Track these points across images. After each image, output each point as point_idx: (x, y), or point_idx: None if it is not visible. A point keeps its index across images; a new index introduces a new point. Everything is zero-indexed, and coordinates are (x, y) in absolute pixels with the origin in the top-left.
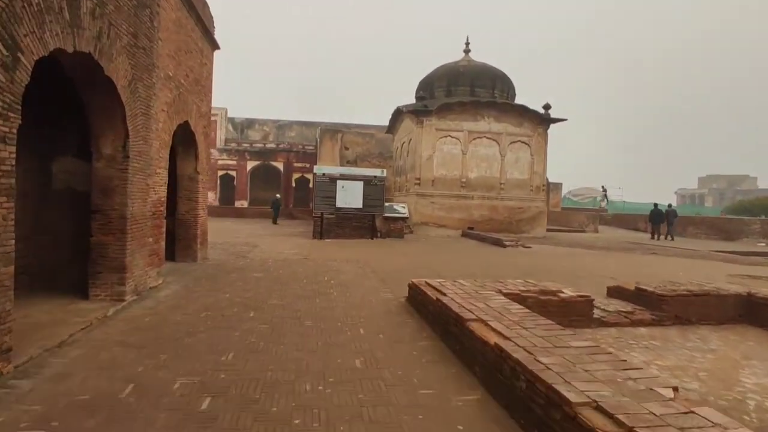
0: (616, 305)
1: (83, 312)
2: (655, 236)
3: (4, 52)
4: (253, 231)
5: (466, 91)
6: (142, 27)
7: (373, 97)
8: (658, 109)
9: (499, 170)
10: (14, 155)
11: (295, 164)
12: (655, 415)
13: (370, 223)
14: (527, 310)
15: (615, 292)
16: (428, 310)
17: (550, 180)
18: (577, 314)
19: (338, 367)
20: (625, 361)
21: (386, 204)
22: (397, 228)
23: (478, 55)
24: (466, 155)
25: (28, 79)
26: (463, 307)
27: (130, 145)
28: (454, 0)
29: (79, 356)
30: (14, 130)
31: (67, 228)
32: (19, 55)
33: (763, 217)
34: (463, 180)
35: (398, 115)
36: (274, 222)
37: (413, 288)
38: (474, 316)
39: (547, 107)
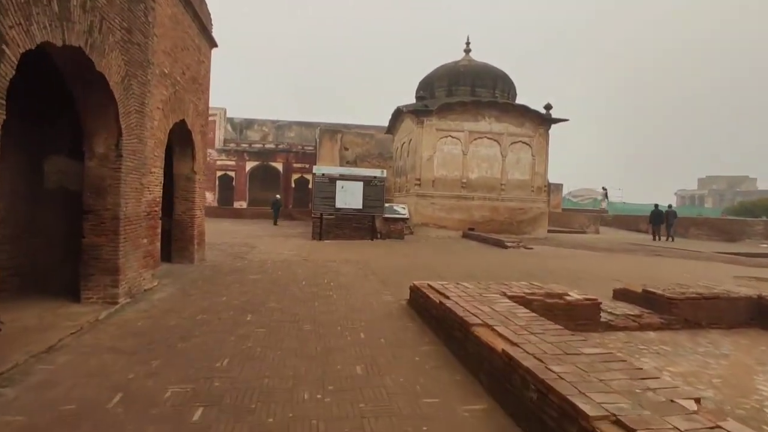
0: (624, 308)
1: (74, 315)
2: (657, 237)
3: None
4: (251, 232)
5: (466, 91)
6: (136, 22)
7: (374, 97)
8: (657, 109)
9: (500, 171)
10: None
11: (295, 165)
12: (679, 430)
13: (369, 223)
14: (534, 314)
15: (621, 295)
16: (431, 313)
17: (551, 181)
18: (584, 318)
19: (338, 374)
20: (642, 369)
21: (386, 205)
22: (397, 229)
23: (478, 55)
24: (467, 155)
25: (13, 72)
26: (468, 311)
27: (124, 144)
28: (454, 0)
29: (67, 362)
30: None
31: (60, 228)
32: (3, 47)
33: (765, 218)
34: (464, 180)
35: (398, 115)
36: (275, 223)
37: (415, 290)
38: (479, 321)
39: (548, 107)
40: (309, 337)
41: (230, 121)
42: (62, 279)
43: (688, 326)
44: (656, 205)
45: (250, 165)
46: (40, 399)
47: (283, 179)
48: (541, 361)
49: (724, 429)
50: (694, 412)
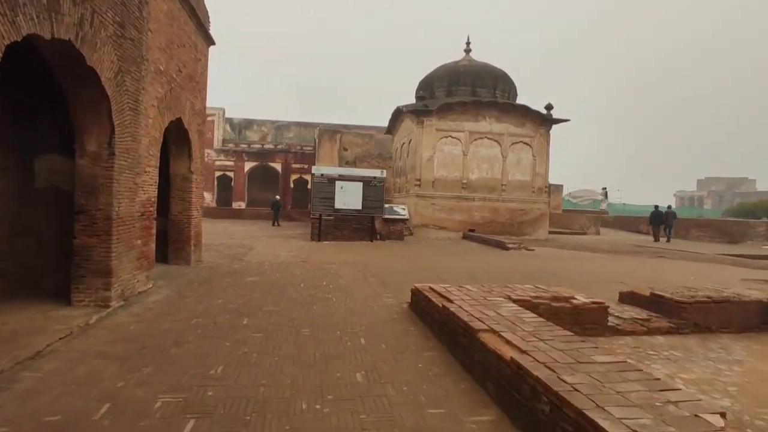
0: (631, 312)
1: (64, 319)
2: (657, 238)
3: None
4: (250, 232)
5: (467, 91)
6: (129, 17)
7: (373, 97)
8: (657, 110)
9: (500, 171)
10: None
11: (294, 165)
12: None
13: (369, 224)
14: (541, 319)
15: (628, 298)
16: (433, 317)
17: (551, 181)
18: (592, 322)
19: (338, 382)
20: (659, 380)
21: (386, 205)
22: (397, 230)
23: (478, 55)
24: (467, 156)
25: None
26: (473, 315)
27: (117, 142)
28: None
29: (54, 369)
30: None
31: (52, 229)
32: None
33: (767, 220)
34: (464, 181)
35: (398, 115)
36: (274, 224)
37: (416, 294)
38: (485, 326)
39: (549, 107)
40: (307, 343)
41: (229, 121)
42: (54, 281)
43: (697, 330)
44: (656, 206)
45: (248, 165)
46: (23, 409)
47: (281, 180)
48: (553, 370)
49: None
50: (721, 429)
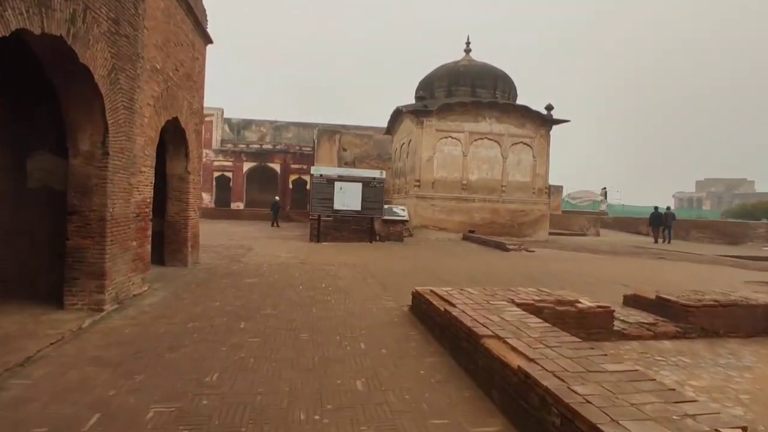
0: (636, 316)
1: (57, 323)
2: (657, 240)
3: None
4: (248, 233)
5: (467, 92)
6: (124, 13)
7: (373, 98)
8: (656, 110)
9: (500, 172)
10: None
11: (292, 166)
12: None
13: (368, 225)
14: (547, 325)
15: (632, 301)
16: (434, 321)
17: (550, 182)
18: (597, 326)
19: (337, 390)
20: (674, 390)
21: (385, 206)
22: (397, 231)
23: (478, 55)
24: (467, 157)
25: None
26: (476, 320)
27: (111, 141)
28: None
29: (44, 376)
30: None
31: (46, 230)
32: None
33: (767, 221)
34: (464, 182)
35: (398, 115)
36: (274, 224)
37: (417, 296)
38: (489, 332)
39: (549, 108)
40: (306, 347)
41: (227, 121)
42: (48, 284)
43: (704, 335)
44: (656, 208)
45: (247, 166)
46: (10, 419)
47: (280, 180)
48: (562, 380)
49: None
50: None
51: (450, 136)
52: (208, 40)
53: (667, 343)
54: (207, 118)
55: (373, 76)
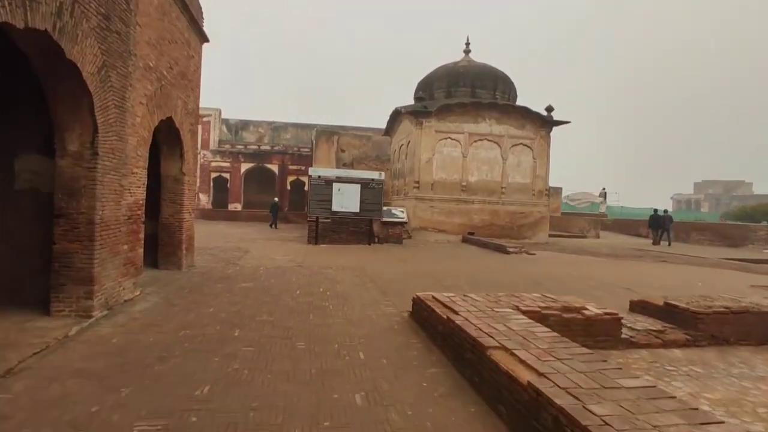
0: (644, 323)
1: (42, 331)
2: (658, 242)
3: None
4: (245, 235)
5: (466, 92)
6: (115, 8)
7: (372, 99)
8: (654, 111)
9: (500, 174)
10: None
11: (290, 167)
12: None
13: (367, 227)
14: (555, 334)
15: (639, 307)
16: (436, 329)
17: (550, 184)
18: (604, 334)
19: (335, 405)
20: (698, 409)
21: (384, 208)
22: (396, 233)
23: (478, 56)
24: (467, 158)
25: None
26: (481, 330)
27: (100, 141)
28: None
29: (24, 390)
30: None
31: (33, 234)
32: None
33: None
34: (464, 184)
35: (396, 116)
36: (273, 226)
37: (418, 303)
38: (495, 343)
39: (549, 109)
40: (302, 357)
41: (225, 122)
42: (36, 289)
43: (714, 343)
44: (655, 210)
45: (245, 167)
46: None
47: (278, 181)
48: (577, 398)
49: None
50: None
51: (449, 137)
52: (204, 39)
53: (676, 352)
54: (204, 119)
55: (373, 77)
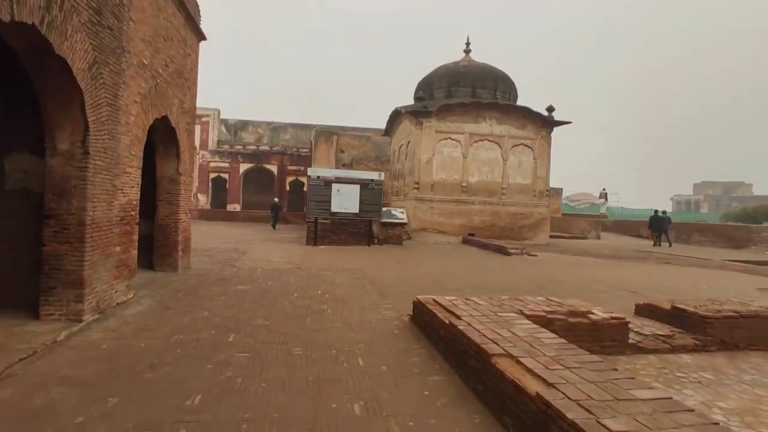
0: (651, 327)
1: (30, 336)
2: (658, 243)
3: None
4: (244, 236)
5: (466, 92)
6: (107, 3)
7: (371, 99)
8: (653, 113)
9: (501, 174)
10: None
11: (290, 167)
12: None
13: (366, 228)
14: (562, 341)
15: (646, 311)
16: (438, 334)
17: (550, 185)
18: (611, 339)
19: (332, 415)
20: (719, 424)
21: (383, 209)
22: (395, 234)
23: (478, 56)
24: (467, 158)
25: None
26: (485, 336)
27: (92, 140)
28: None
29: (7, 399)
30: None
31: (24, 235)
32: None
33: None
34: (464, 184)
35: (396, 116)
36: (274, 227)
37: (419, 307)
38: (500, 350)
39: (550, 109)
40: (299, 364)
41: (224, 122)
42: (27, 292)
43: (724, 348)
44: (655, 211)
45: (244, 167)
46: None
47: (277, 182)
48: (589, 411)
49: None
50: None
51: (450, 138)
52: (201, 37)
53: (685, 357)
54: (203, 119)
55: (372, 77)
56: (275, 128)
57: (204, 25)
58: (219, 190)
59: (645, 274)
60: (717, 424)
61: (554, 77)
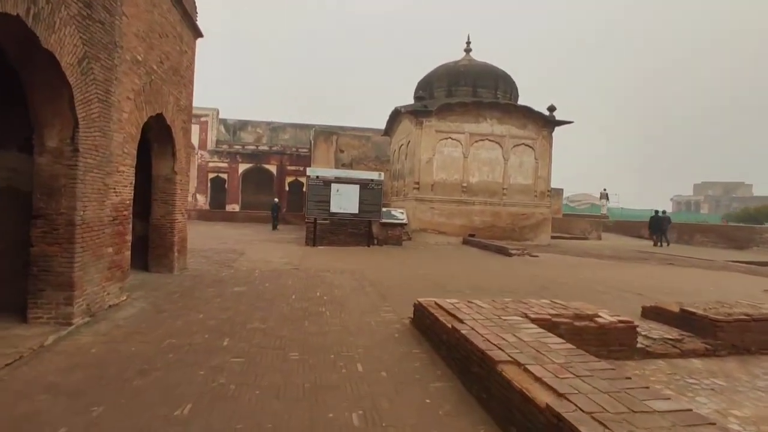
0: (659, 330)
1: (17, 340)
2: (658, 243)
3: None
4: (242, 236)
5: (467, 92)
6: None
7: (371, 99)
8: (653, 113)
9: (501, 174)
10: None
11: (289, 167)
12: None
13: (366, 229)
14: (571, 346)
15: (653, 314)
16: (440, 338)
17: (551, 185)
18: (619, 343)
19: (329, 426)
20: None
21: (383, 209)
22: (395, 235)
23: (478, 55)
24: (468, 158)
25: None
26: (489, 341)
27: (81, 137)
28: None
29: None
30: None
31: (12, 236)
32: None
33: None
34: (464, 184)
35: (396, 116)
36: (274, 227)
37: (420, 309)
38: (506, 356)
39: (551, 109)
40: (295, 370)
41: (223, 122)
42: (15, 295)
43: (735, 352)
44: (656, 212)
45: (243, 167)
46: None
47: (276, 182)
48: (605, 425)
49: None
50: None
51: (450, 137)
52: (198, 34)
53: (696, 362)
54: (202, 119)
55: (372, 78)
56: (274, 128)
57: (204, 26)
58: (218, 190)
59: (648, 275)
60: None
61: (554, 78)
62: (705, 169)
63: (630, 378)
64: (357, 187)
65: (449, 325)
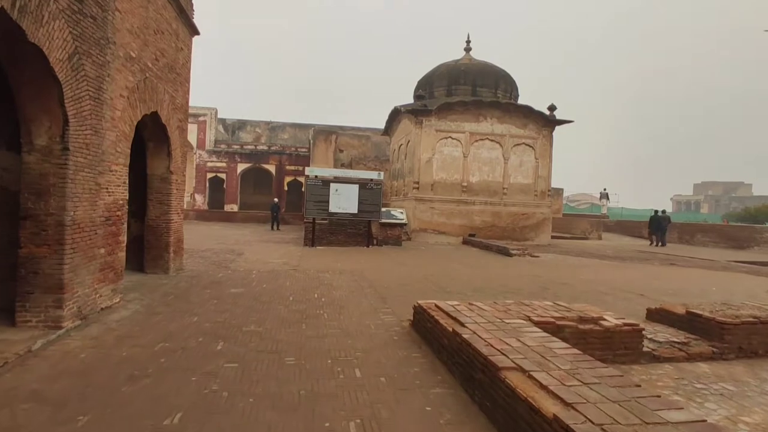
0: (664, 333)
1: (3, 345)
2: (658, 243)
3: None
4: (241, 237)
5: (467, 91)
6: None
7: (371, 98)
8: (653, 113)
9: (502, 174)
10: None
11: (288, 167)
12: None
13: (365, 229)
14: (577, 351)
15: (658, 316)
16: (441, 343)
17: (552, 185)
18: (624, 347)
19: None
20: None
21: (383, 209)
22: (395, 235)
23: (479, 54)
24: (468, 158)
25: None
26: (492, 346)
27: (72, 135)
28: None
29: None
30: None
31: (2, 236)
32: None
33: None
34: (465, 184)
35: (396, 115)
36: (274, 228)
37: (420, 312)
38: (510, 362)
39: (552, 108)
40: (291, 376)
41: (222, 121)
42: (3, 297)
43: (742, 355)
44: (656, 211)
45: (241, 167)
46: None
47: (275, 182)
48: None
49: None
50: None
51: (450, 137)
52: (194, 31)
53: (703, 366)
54: (200, 118)
55: (372, 77)
56: (273, 128)
57: (203, 26)
58: (216, 190)
59: (650, 275)
60: None
61: (555, 77)
62: (705, 169)
63: (640, 386)
64: (356, 187)
65: (450, 329)
